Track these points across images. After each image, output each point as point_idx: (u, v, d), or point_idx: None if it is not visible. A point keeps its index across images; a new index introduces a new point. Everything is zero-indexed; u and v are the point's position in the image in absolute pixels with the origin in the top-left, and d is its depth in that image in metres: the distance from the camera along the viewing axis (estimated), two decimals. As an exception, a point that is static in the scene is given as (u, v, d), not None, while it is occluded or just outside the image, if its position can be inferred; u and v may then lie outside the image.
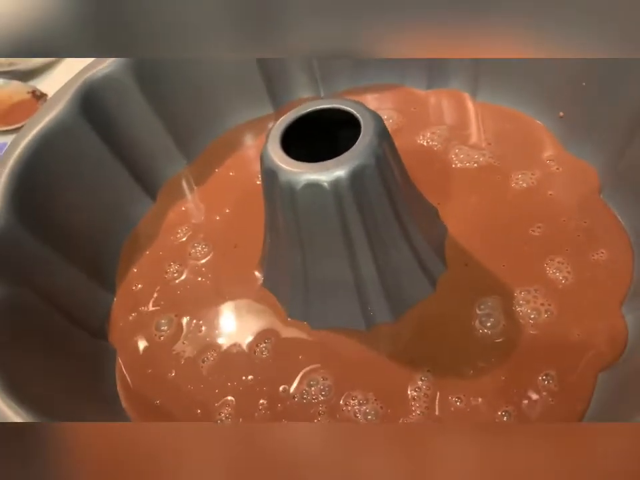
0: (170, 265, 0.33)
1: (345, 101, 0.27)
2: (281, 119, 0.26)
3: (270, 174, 0.25)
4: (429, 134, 0.36)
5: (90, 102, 0.33)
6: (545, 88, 0.33)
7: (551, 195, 0.31)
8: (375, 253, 0.26)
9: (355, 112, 0.26)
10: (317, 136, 0.28)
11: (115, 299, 0.32)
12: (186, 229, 0.35)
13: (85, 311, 0.30)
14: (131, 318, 0.31)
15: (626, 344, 0.25)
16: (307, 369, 0.27)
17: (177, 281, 0.32)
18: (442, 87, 0.38)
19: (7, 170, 0.29)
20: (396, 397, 0.25)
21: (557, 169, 0.32)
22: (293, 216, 0.25)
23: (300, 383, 0.27)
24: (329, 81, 0.40)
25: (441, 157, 0.35)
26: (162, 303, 0.32)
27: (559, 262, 0.28)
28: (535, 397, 0.24)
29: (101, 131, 0.33)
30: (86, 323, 0.30)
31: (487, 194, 0.32)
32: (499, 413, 0.24)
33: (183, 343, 0.29)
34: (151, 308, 0.31)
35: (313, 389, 0.26)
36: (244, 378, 0.27)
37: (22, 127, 0.31)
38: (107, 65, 0.33)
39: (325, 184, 0.24)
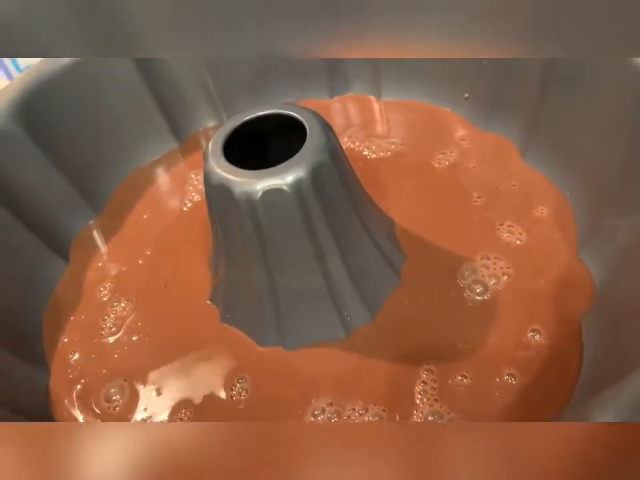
0: (101, 327, 0.29)
1: (278, 105, 0.26)
2: (216, 134, 0.25)
3: (220, 190, 0.23)
4: (345, 138, 0.36)
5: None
6: (446, 74, 0.35)
7: (473, 167, 0.33)
8: (343, 253, 0.25)
9: (293, 113, 0.25)
10: (250, 149, 0.27)
11: (51, 376, 0.28)
12: (109, 285, 0.31)
13: (21, 397, 0.26)
14: (75, 393, 0.27)
15: (594, 285, 0.26)
16: (302, 399, 0.25)
17: (111, 344, 0.28)
18: (346, 94, 0.39)
19: None
20: (400, 396, 0.24)
21: (470, 144, 0.34)
22: (254, 230, 0.23)
23: (303, 415, 0.24)
24: (230, 106, 0.38)
25: (360, 155, 0.35)
26: (104, 370, 0.28)
27: (508, 225, 0.29)
28: (530, 353, 0.24)
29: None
30: (26, 410, 0.25)
31: (416, 178, 0.33)
32: (505, 378, 0.24)
33: (145, 410, 0.26)
34: (93, 378, 0.27)
35: (319, 418, 0.24)
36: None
37: None
38: (-11, 117, 0.29)
39: (285, 187, 0.22)
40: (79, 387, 0.27)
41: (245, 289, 0.26)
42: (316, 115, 0.25)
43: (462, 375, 0.24)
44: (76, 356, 0.28)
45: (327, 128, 0.24)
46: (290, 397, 0.25)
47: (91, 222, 0.34)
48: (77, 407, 0.26)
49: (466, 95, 0.34)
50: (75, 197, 0.33)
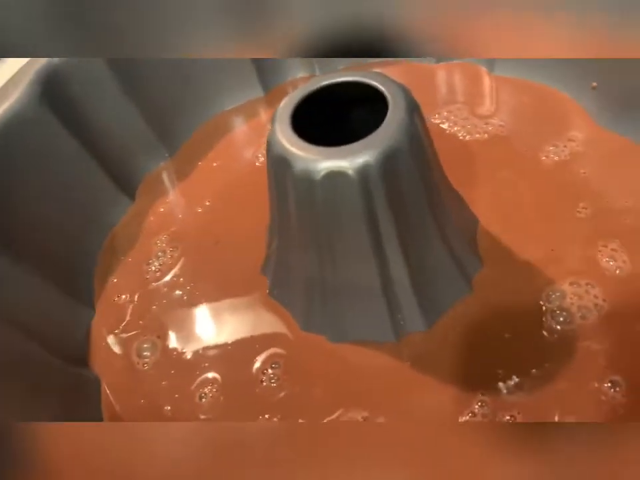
0: (147, 273, 0.28)
1: (363, 72, 0.23)
2: (287, 97, 0.22)
3: (280, 163, 0.21)
4: (445, 112, 0.32)
5: (53, 88, 0.28)
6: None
7: (584, 173, 0.28)
8: (406, 251, 0.22)
9: (377, 84, 0.22)
10: (328, 118, 0.24)
11: (95, 315, 0.28)
12: (165, 233, 0.30)
13: (61, 333, 0.26)
14: (110, 339, 0.27)
15: None
16: (334, 403, 0.23)
17: (153, 294, 0.28)
18: (454, 59, 0.34)
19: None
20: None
21: (587, 143, 0.29)
22: (310, 212, 0.21)
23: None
24: (325, 59, 0.35)
25: (456, 135, 0.31)
26: (141, 322, 0.27)
27: (612, 249, 0.24)
28: (602, 408, 0.20)
29: (68, 122, 0.28)
30: (65, 348, 0.25)
31: (514, 170, 0.29)
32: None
33: (172, 374, 0.25)
34: (131, 328, 0.27)
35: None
36: (260, 417, 0.23)
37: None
38: (71, 44, 0.28)
39: (350, 172, 0.19)
40: (117, 331, 0.27)
41: (295, 270, 0.24)
42: (404, 90, 0.21)
43: (512, 416, 0.21)
44: (121, 299, 0.28)
45: (412, 108, 0.21)
46: (320, 398, 0.23)
47: (162, 163, 0.33)
48: (112, 354, 0.26)
49: (594, 84, 0.29)
50: (150, 137, 0.33)
